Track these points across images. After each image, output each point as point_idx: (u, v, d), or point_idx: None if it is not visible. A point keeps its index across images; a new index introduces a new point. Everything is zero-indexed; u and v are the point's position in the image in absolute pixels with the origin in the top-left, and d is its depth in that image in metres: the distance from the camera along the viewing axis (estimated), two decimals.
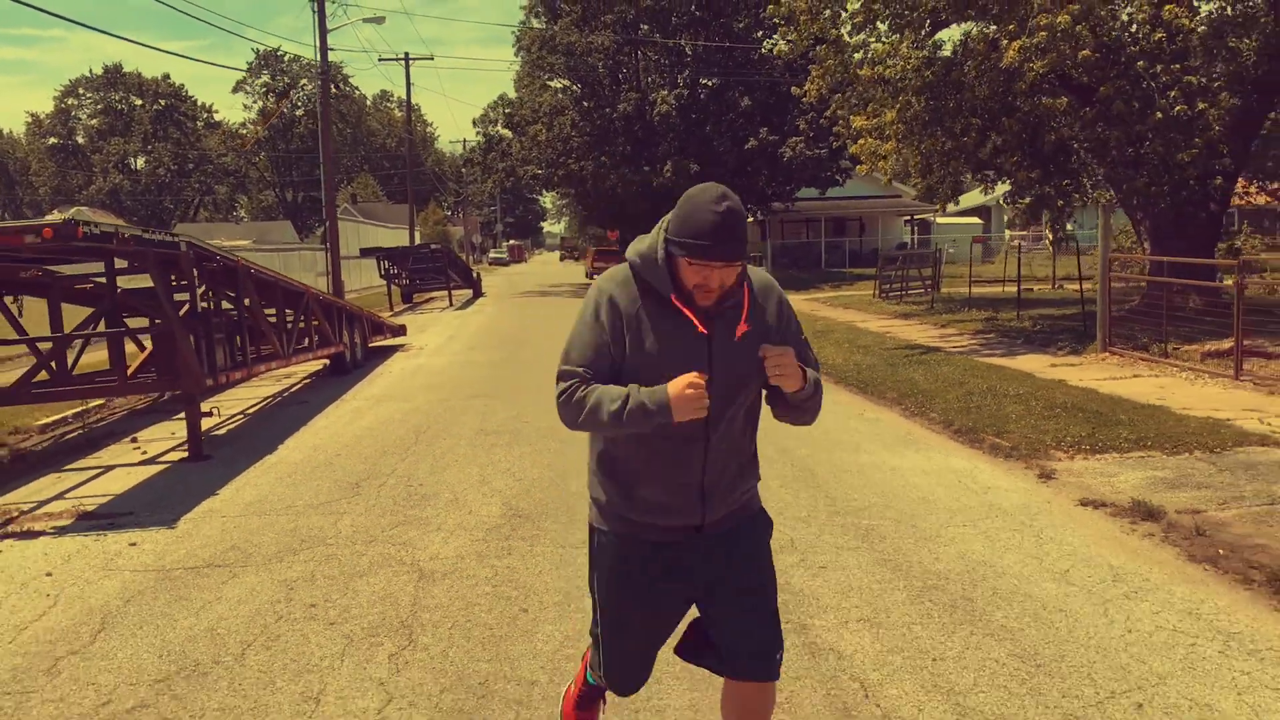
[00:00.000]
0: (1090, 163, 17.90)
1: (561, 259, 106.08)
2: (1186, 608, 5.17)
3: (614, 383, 2.82)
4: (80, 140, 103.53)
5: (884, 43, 17.54)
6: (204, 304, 9.83)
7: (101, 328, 11.01)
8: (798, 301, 27.40)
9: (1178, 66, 16.08)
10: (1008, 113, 16.90)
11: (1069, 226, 28.51)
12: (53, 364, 10.28)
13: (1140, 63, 16.09)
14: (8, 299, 10.34)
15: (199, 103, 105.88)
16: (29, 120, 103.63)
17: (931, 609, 5.15)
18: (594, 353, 2.84)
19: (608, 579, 3.04)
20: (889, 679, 4.32)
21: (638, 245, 2.90)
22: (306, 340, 13.69)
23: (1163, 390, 11.69)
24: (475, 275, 39.02)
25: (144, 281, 10.58)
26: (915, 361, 14.73)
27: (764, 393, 2.97)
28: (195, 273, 9.43)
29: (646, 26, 39.70)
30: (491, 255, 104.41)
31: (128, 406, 13.04)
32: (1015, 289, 23.04)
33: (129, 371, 9.94)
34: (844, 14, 17.17)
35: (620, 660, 3.14)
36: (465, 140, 68.81)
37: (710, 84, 39.29)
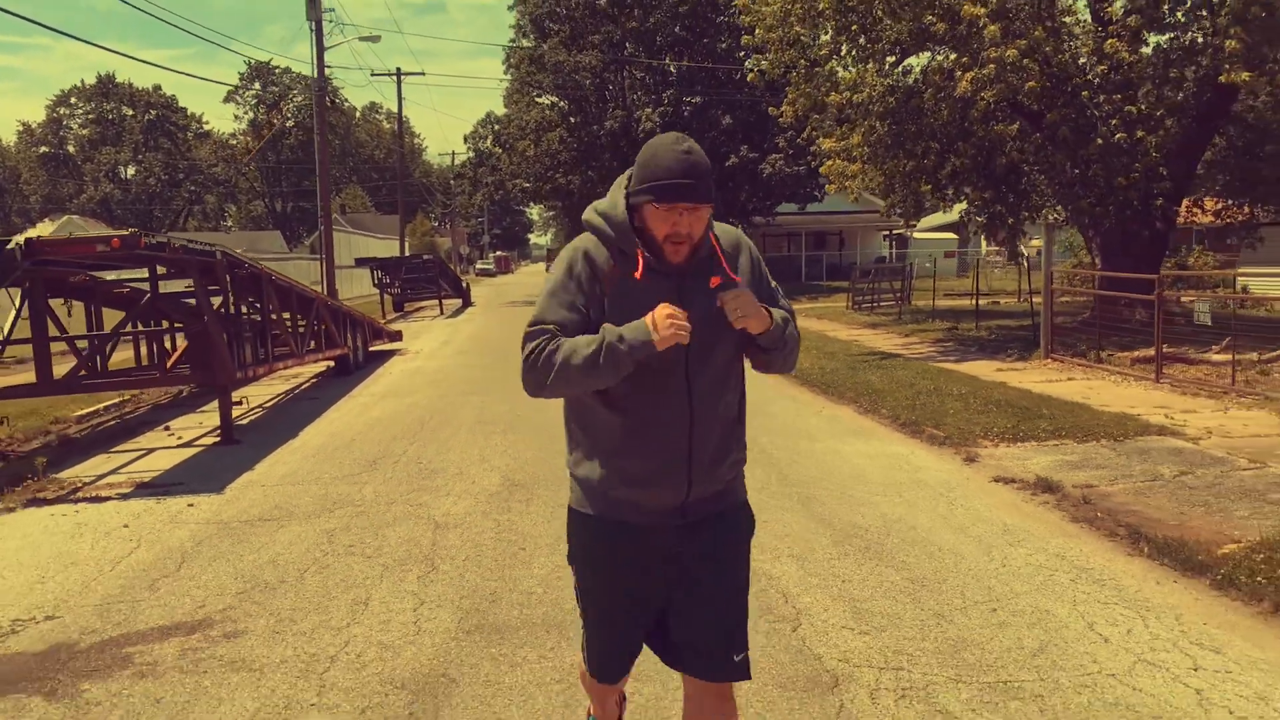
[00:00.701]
0: (1040, 183, 19.30)
1: (548, 270, 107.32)
2: (1056, 552, 6.48)
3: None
4: (71, 149, 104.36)
5: (851, 71, 18.92)
6: (233, 307, 11.08)
7: (116, 328, 12.26)
8: None
9: (1119, 96, 17.48)
10: (964, 137, 18.30)
11: (1035, 242, 29.93)
12: (96, 360, 11.51)
13: (1085, 92, 17.51)
14: (56, 302, 11.55)
15: (189, 113, 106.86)
16: (20, 129, 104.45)
17: (848, 550, 6.45)
18: (566, 310, 2.77)
19: (588, 564, 2.97)
20: (805, 592, 5.61)
21: (595, 206, 2.86)
22: (315, 342, 14.93)
23: (1090, 391, 13.04)
24: (465, 285, 40.28)
25: (168, 286, 11.85)
26: (874, 366, 16.06)
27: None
28: (228, 279, 10.70)
29: (632, 47, 41.10)
30: (479, 266, 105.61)
31: (152, 401, 14.25)
32: (984, 301, 24.46)
33: (168, 365, 11.14)
34: (814, 45, 18.54)
35: (601, 647, 3.08)
36: (454, 153, 70.14)
37: (693, 102, 40.69)
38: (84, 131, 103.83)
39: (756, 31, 18.58)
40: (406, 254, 48.69)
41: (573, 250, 2.84)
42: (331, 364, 16.82)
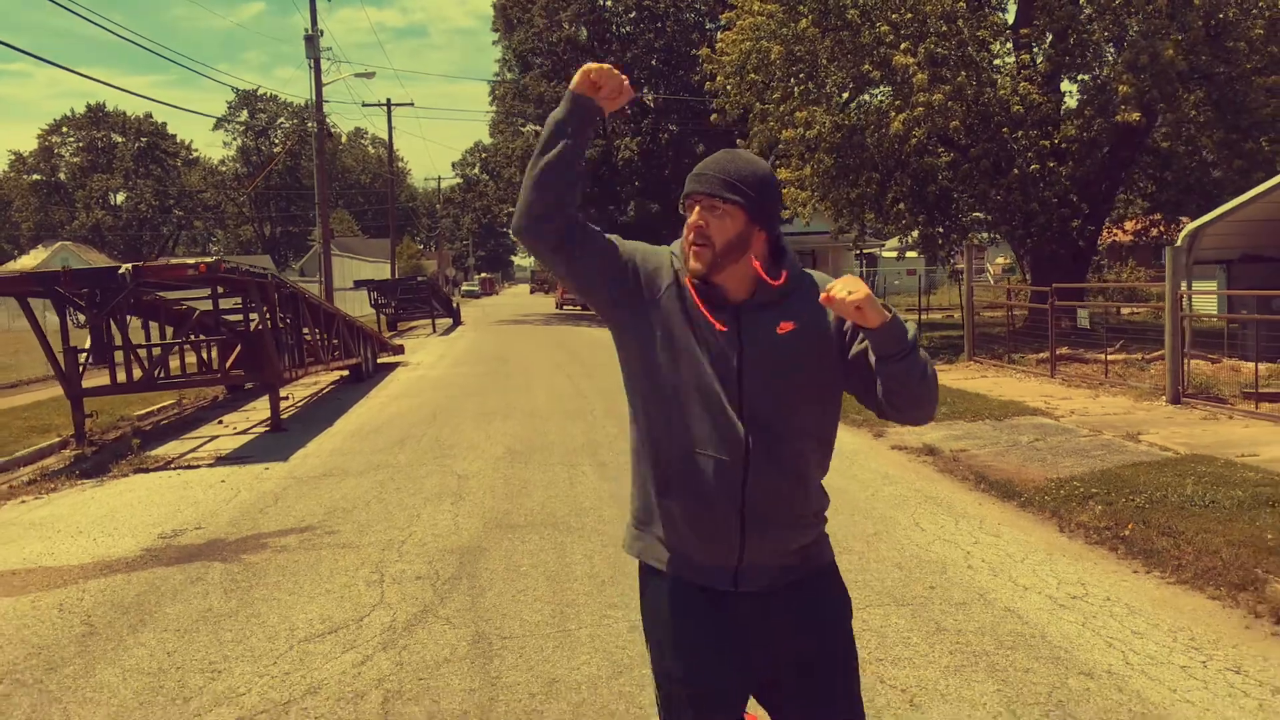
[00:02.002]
0: (966, 208, 21.87)
1: (532, 291, 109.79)
2: (918, 488, 8.90)
3: (614, 313, 2.50)
4: (63, 177, 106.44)
5: (802, 112, 21.46)
6: (277, 321, 13.47)
7: (177, 337, 14.61)
8: None
9: (1035, 132, 20.08)
10: (900, 168, 20.84)
11: (1001, 260, 32.48)
12: (160, 368, 13.87)
13: (1005, 129, 20.10)
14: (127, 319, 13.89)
15: (179, 140, 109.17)
16: (13, 158, 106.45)
17: None
18: (608, 242, 2.48)
19: (656, 630, 2.52)
20: None
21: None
22: (336, 352, 17.30)
23: (995, 385, 15.52)
24: (455, 305, 42.65)
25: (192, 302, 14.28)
26: None
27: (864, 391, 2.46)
28: (275, 297, 13.09)
29: None
30: (464, 288, 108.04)
31: (195, 404, 16.57)
32: (939, 315, 27.00)
33: (227, 367, 13.48)
34: (767, 90, 21.08)
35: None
36: (440, 178, 72.56)
37: (670, 131, 43.28)
38: (75, 159, 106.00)
39: (717, 78, 21.12)
40: (397, 276, 51.06)
41: (663, 251, 2.53)
42: (346, 373, 19.17)
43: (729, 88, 20.59)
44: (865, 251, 60.64)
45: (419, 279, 40.56)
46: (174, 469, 10.69)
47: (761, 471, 2.37)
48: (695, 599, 2.44)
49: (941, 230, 21.59)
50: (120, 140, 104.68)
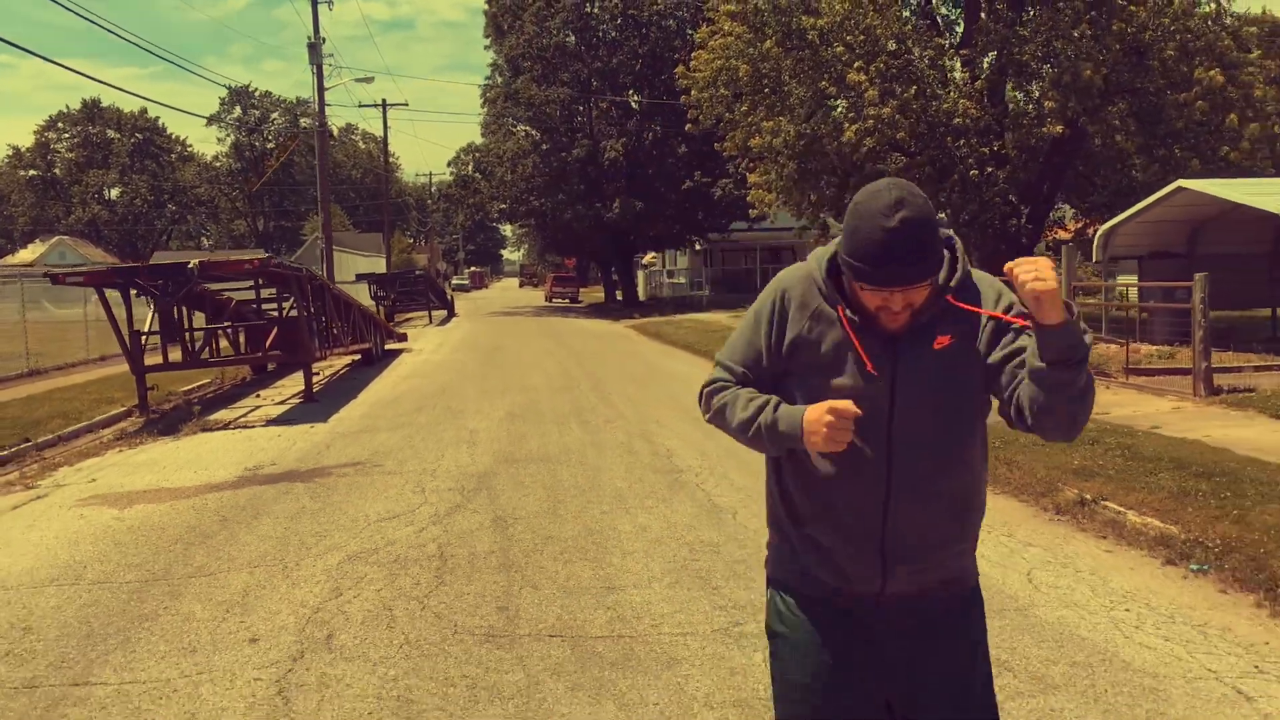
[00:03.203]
0: None
1: (521, 285, 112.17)
2: None
3: (773, 391, 2.37)
4: (58, 172, 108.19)
5: (770, 122, 23.81)
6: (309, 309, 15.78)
7: (219, 323, 16.91)
8: (726, 319, 33.54)
9: (975, 141, 22.46)
10: (855, 173, 23.20)
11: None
12: (207, 348, 16.16)
13: (949, 138, 22.48)
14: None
15: (174, 136, 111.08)
16: (10, 153, 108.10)
17: (713, 439, 11.20)
18: (748, 352, 2.41)
19: (785, 651, 2.41)
20: (677, 451, 10.37)
21: (817, 251, 2.41)
22: (353, 337, 19.61)
23: None
24: (450, 298, 44.94)
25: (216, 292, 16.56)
26: None
27: (997, 403, 2.33)
28: (308, 288, 15.41)
29: (598, 82, 45.97)
30: (455, 282, 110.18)
31: (230, 383, 18.84)
32: None
33: (267, 347, 15.78)
34: (737, 103, 23.44)
35: None
36: (430, 174, 74.59)
37: (654, 132, 45.54)
38: (71, 155, 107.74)
39: (691, 92, 23.46)
40: (393, 270, 53.32)
41: (775, 282, 2.43)
42: (358, 356, 21.47)
43: (702, 101, 22.95)
44: None
45: (416, 272, 42.87)
46: (234, 429, 13.01)
47: (908, 499, 2.27)
48: (833, 623, 2.35)
49: None
50: (116, 136, 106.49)
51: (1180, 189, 17.85)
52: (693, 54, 24.44)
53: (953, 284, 2.27)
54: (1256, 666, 4.71)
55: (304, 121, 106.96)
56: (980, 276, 2.34)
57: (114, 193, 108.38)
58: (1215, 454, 9.04)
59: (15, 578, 6.54)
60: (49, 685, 4.71)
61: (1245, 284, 19.78)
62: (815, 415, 2.19)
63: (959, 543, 2.36)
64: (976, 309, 2.27)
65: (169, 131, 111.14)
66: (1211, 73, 19.93)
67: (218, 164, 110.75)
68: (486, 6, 47.47)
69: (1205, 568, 6.26)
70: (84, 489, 9.41)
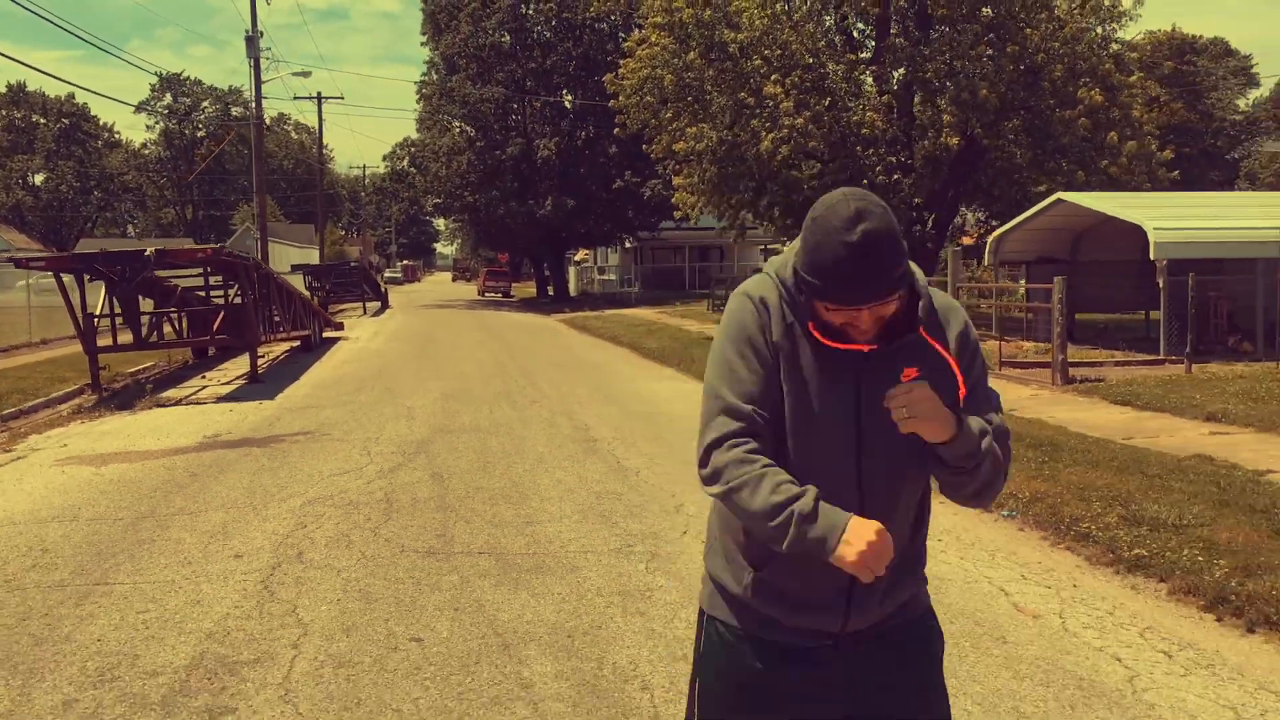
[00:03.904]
0: None
1: (454, 279, 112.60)
2: None
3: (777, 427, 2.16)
4: None
5: (694, 128, 25.26)
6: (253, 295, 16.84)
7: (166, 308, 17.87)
8: (651, 315, 34.93)
9: (882, 150, 24.13)
10: (772, 178, 24.76)
11: None
12: (155, 332, 17.11)
13: (858, 147, 24.12)
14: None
15: (101, 122, 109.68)
16: None
17: (627, 417, 12.58)
18: (754, 383, 2.16)
19: (718, 691, 2.30)
20: (594, 425, 11.71)
21: (771, 264, 2.26)
22: (294, 324, 20.63)
23: None
24: (384, 290, 45.76)
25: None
26: (698, 345, 22.32)
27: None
28: (254, 277, 16.46)
29: (532, 82, 47.11)
30: (386, 274, 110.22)
31: (174, 366, 19.76)
32: None
33: (214, 331, 16.78)
34: (663, 110, 24.85)
35: None
36: (365, 166, 74.91)
37: (587, 131, 46.81)
38: None
39: (619, 98, 24.82)
40: (325, 262, 53.92)
41: (744, 299, 2.23)
42: (298, 343, 22.47)
43: (629, 107, 24.34)
44: (771, 246, 65.13)
45: (352, 264, 43.65)
46: (187, 404, 14.07)
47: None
48: (782, 660, 2.24)
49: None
50: (42, 121, 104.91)
51: (1060, 200, 19.62)
52: (622, 61, 25.85)
53: (919, 324, 2.15)
54: (1022, 575, 6.17)
55: (236, 111, 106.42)
56: (938, 297, 2.25)
57: (38, 178, 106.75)
58: (1051, 430, 10.62)
59: (20, 516, 7.67)
60: (75, 585, 5.91)
61: (1120, 289, 21.71)
62: (866, 530, 1.99)
63: (911, 583, 2.30)
64: (944, 351, 2.19)
65: (96, 117, 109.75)
66: (1093, 93, 21.78)
67: (147, 151, 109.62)
68: (423, 4, 48.36)
69: (1013, 514, 7.76)
70: (59, 452, 10.48)
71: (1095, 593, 5.85)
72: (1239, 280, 17.80)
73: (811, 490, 2.06)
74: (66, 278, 15.40)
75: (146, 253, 14.27)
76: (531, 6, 47.11)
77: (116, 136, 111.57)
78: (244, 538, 6.87)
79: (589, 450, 10.03)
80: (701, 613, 2.35)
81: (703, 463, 2.17)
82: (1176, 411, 11.63)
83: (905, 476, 2.21)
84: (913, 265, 2.14)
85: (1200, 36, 67.83)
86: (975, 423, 2.14)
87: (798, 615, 2.22)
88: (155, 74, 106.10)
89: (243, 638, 5.04)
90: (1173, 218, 17.67)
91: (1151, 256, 16.95)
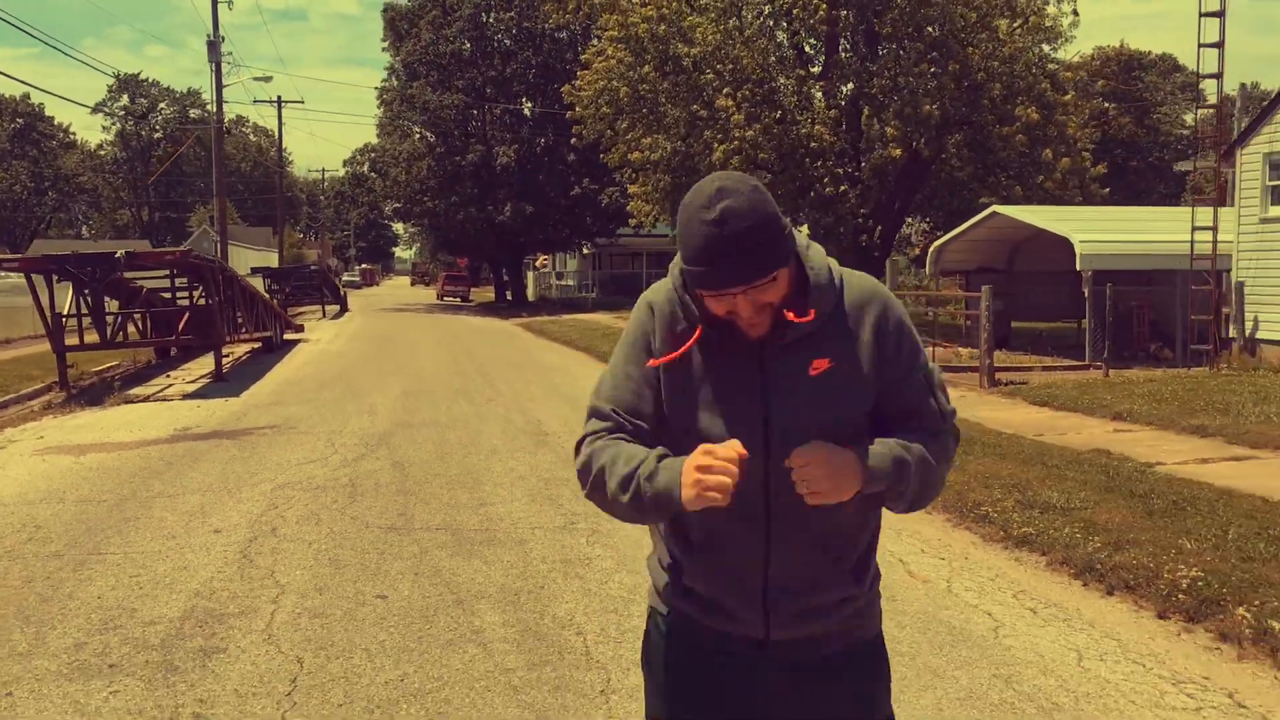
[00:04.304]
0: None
1: (412, 283, 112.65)
2: None
3: (656, 436, 2.08)
4: None
5: (649, 139, 26.06)
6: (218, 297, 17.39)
7: (132, 308, 18.35)
8: (607, 320, 35.66)
9: (831, 162, 25.05)
10: None
11: None
12: (121, 332, 17.60)
13: (807, 159, 25.02)
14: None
15: (57, 122, 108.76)
16: None
17: (579, 413, 13.25)
18: (625, 386, 2.13)
19: (663, 681, 2.23)
20: (546, 420, 12.42)
21: (675, 260, 2.12)
22: (257, 326, 21.15)
23: None
24: (343, 294, 46.15)
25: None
26: None
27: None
28: (220, 279, 17.00)
29: (492, 90, 47.74)
30: (345, 278, 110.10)
31: (139, 366, 20.21)
32: None
33: (179, 330, 17.29)
34: (618, 121, 25.64)
35: None
36: (324, 170, 75.07)
37: (546, 139, 47.51)
38: None
39: (576, 109, 25.58)
40: (285, 265, 54.17)
41: (640, 304, 2.19)
42: (259, 344, 22.97)
43: (586, 117, 25.12)
44: None
45: (311, 267, 44.03)
46: (154, 401, 14.61)
47: (788, 541, 2.05)
48: (713, 659, 2.16)
49: None
50: None
51: (995, 213, 20.62)
52: (579, 73, 26.63)
53: (811, 307, 2.01)
54: (921, 550, 6.97)
55: (194, 113, 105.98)
56: (854, 280, 2.14)
57: None
58: (968, 427, 11.47)
59: (9, 498, 8.26)
60: (71, 554, 6.54)
61: (1057, 297, 22.79)
62: (692, 461, 1.92)
63: (847, 589, 2.13)
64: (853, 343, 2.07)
65: (52, 117, 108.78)
66: (1029, 111, 22.84)
67: (103, 152, 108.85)
68: (384, 12, 48.87)
69: None
70: (36, 443, 11.03)
71: (982, 564, 6.66)
72: (1160, 291, 18.86)
73: (656, 450, 2.01)
74: (36, 278, 15.85)
75: (117, 254, 14.80)
76: (492, 15, 47.75)
77: (72, 137, 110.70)
78: (221, 516, 7.52)
79: (540, 443, 10.74)
80: (650, 610, 2.30)
81: (579, 475, 2.13)
82: (1088, 411, 12.55)
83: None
84: (814, 248, 2.09)
85: (1150, 52, 69.89)
86: (886, 450, 2.02)
87: (714, 617, 2.14)
88: (112, 75, 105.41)
89: (227, 595, 5.71)
90: (1098, 231, 18.69)
91: (1077, 267, 17.94)
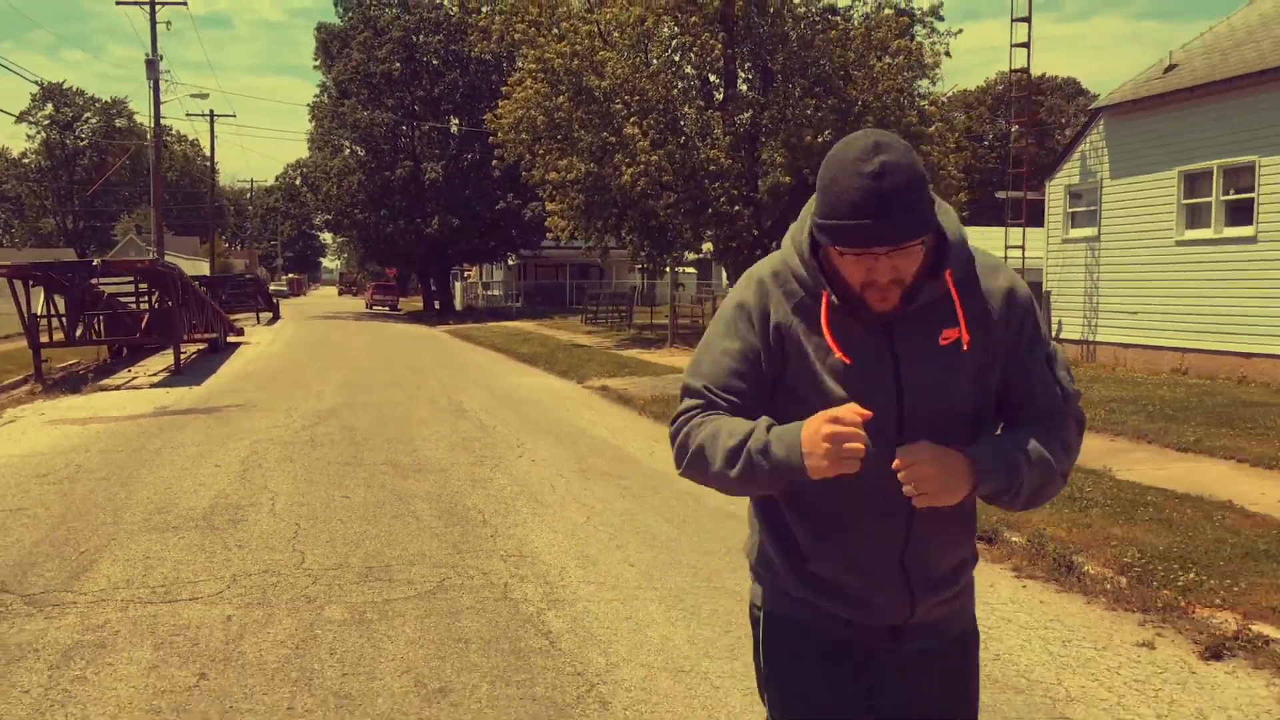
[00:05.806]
0: (684, 235, 29.71)
1: (340, 293, 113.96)
2: (585, 405, 16.14)
3: (752, 411, 2.04)
4: None
5: (564, 160, 28.71)
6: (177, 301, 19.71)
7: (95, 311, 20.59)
8: (530, 326, 38.23)
9: (727, 184, 27.94)
10: (631, 207, 28.39)
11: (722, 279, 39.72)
12: (85, 331, 19.81)
13: (706, 180, 27.89)
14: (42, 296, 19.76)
15: None
16: None
17: (494, 398, 15.93)
18: (733, 364, 2.07)
19: (785, 686, 2.18)
20: (467, 403, 15.04)
21: (792, 229, 2.12)
22: (206, 327, 23.41)
23: (662, 358, 23.05)
24: (275, 302, 48.10)
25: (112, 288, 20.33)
26: (564, 350, 25.79)
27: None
28: (179, 285, 19.33)
29: (421, 109, 50.14)
30: (272, 288, 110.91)
31: (98, 363, 22.34)
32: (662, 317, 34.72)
33: (142, 329, 19.52)
34: (536, 145, 28.31)
35: None
36: (252, 180, 76.42)
37: (472, 154, 50.01)
38: None
39: (498, 134, 28.22)
40: (214, 274, 55.89)
41: (747, 279, 2.13)
42: (206, 345, 25.20)
43: (507, 142, 27.80)
44: (644, 267, 69.20)
45: (247, 276, 45.97)
46: (127, 389, 16.93)
47: (924, 525, 2.03)
48: (836, 659, 2.11)
49: (656, 253, 29.46)
50: None
51: None
52: (500, 102, 29.31)
53: (947, 267, 1.97)
54: None
55: (119, 122, 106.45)
56: (983, 258, 2.07)
57: None
58: None
59: (45, 449, 10.69)
60: (115, 478, 9.04)
61: None
62: (813, 428, 1.86)
63: (965, 550, 2.15)
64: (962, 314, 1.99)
65: None
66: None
67: (27, 161, 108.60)
68: (317, 32, 50.97)
69: None
70: (41, 418, 13.38)
71: None
72: None
73: (762, 421, 1.97)
74: (18, 283, 18.06)
75: (94, 263, 17.09)
76: (421, 37, 50.16)
77: None
78: (216, 458, 10.05)
79: (460, 416, 13.38)
80: (752, 609, 2.25)
81: (675, 454, 2.09)
82: None
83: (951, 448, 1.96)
84: (948, 212, 2.03)
85: (1057, 76, 73.95)
86: (999, 451, 1.98)
87: (859, 611, 2.08)
88: (36, 83, 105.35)
89: (238, 496, 8.30)
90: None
91: None
